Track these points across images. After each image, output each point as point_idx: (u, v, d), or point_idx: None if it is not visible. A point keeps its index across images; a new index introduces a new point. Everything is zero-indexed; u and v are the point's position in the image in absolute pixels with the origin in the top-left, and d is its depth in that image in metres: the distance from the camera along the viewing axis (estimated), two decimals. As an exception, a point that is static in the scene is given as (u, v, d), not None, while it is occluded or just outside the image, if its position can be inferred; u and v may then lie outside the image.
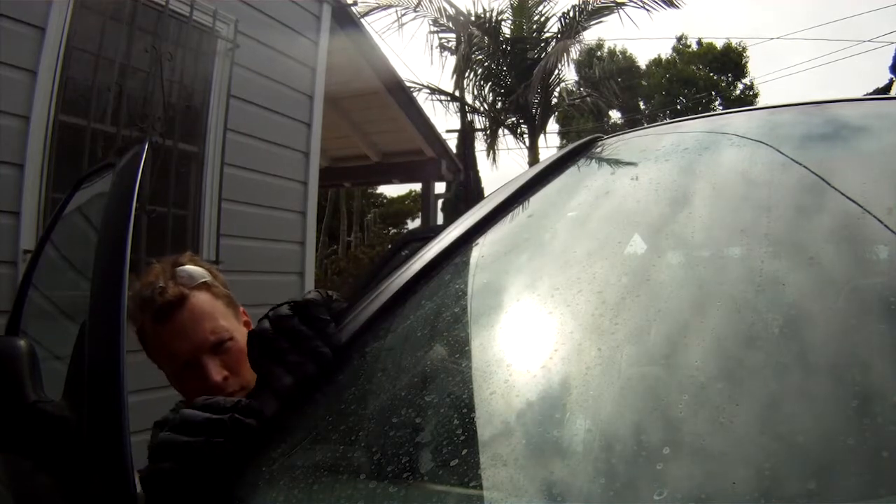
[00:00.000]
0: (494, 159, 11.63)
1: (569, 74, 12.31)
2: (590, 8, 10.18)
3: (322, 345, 0.63)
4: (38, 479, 0.83)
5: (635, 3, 9.75)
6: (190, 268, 1.09)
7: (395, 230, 18.82)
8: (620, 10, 9.94)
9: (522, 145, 11.41)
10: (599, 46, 19.68)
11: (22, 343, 0.82)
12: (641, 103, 24.66)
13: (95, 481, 0.59)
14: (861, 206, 0.61)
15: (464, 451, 0.50)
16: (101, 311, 0.68)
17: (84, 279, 0.75)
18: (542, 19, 10.78)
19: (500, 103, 11.22)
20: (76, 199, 1.25)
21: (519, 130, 11.43)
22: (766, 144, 0.80)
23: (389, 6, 9.96)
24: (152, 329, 1.02)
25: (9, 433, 0.77)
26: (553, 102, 11.28)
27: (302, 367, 0.62)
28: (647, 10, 9.76)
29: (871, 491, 0.38)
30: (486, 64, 10.79)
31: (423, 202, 9.07)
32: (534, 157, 10.84)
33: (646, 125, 6.03)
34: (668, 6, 9.70)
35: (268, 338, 0.64)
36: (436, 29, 10.80)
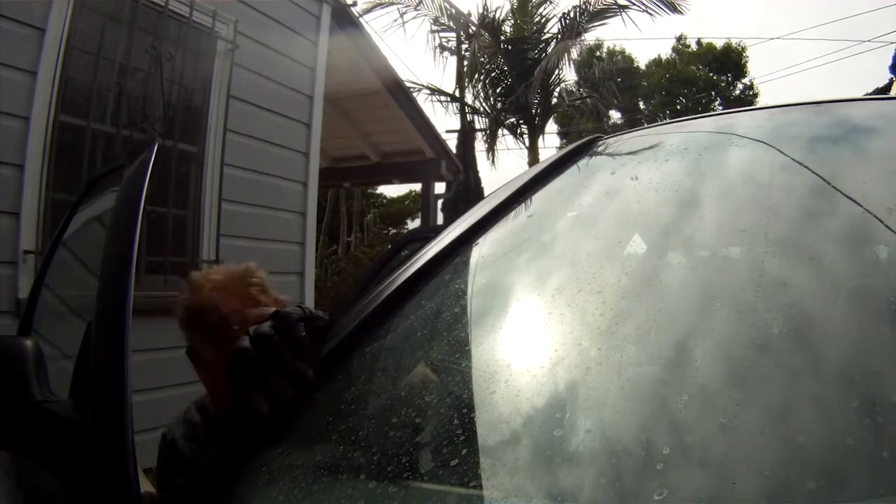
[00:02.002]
0: (493, 160, 11.63)
1: (569, 75, 12.30)
2: (591, 9, 10.17)
3: (302, 367, 0.61)
4: (44, 477, 0.83)
5: (638, 6, 9.74)
6: None
7: (395, 230, 18.81)
8: (623, 13, 9.93)
9: (522, 145, 11.41)
10: (598, 46, 19.67)
11: (28, 342, 0.82)
12: (641, 103, 24.65)
13: (98, 481, 0.59)
14: (862, 207, 0.61)
15: (464, 452, 0.51)
16: (106, 312, 0.68)
17: (96, 279, 0.75)
18: (543, 20, 10.77)
19: (500, 104, 11.22)
20: (88, 200, 1.26)
21: (519, 131, 11.43)
22: (767, 144, 0.80)
23: (391, 3, 9.97)
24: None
25: (15, 432, 0.77)
26: (553, 103, 11.28)
27: (280, 393, 0.60)
28: (650, 14, 9.76)
29: (871, 491, 0.38)
30: (488, 65, 10.79)
31: (423, 202, 9.07)
32: (534, 158, 10.85)
33: (646, 125, 6.03)
34: (672, 11, 9.70)
35: (248, 358, 0.62)
36: (437, 28, 10.80)
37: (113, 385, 0.61)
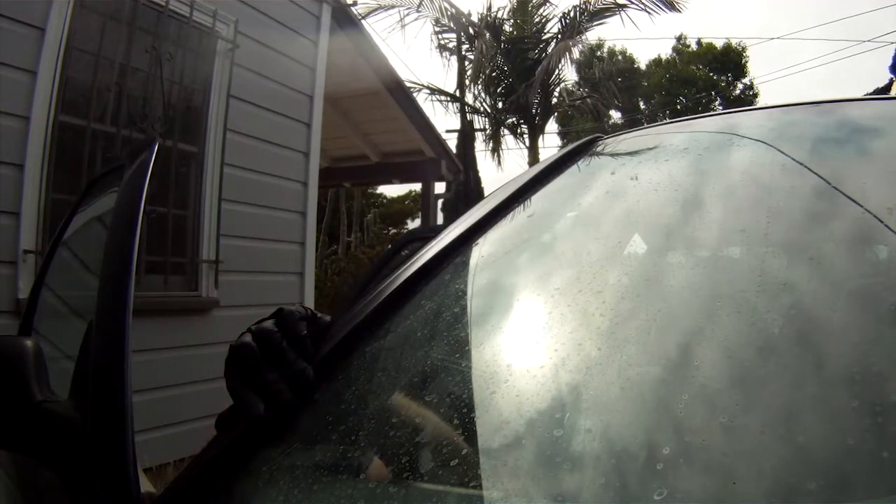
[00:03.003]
0: (500, 161, 11.66)
1: (569, 75, 12.32)
2: (591, 9, 10.19)
3: (304, 367, 0.60)
4: (44, 477, 0.83)
5: (636, 5, 9.76)
6: None
7: (395, 230, 18.81)
8: (622, 13, 9.96)
9: (522, 145, 11.43)
10: (599, 46, 19.69)
11: (28, 342, 0.82)
12: (641, 103, 24.66)
13: (98, 481, 0.59)
14: (862, 207, 0.61)
15: (464, 451, 0.51)
16: (106, 312, 0.68)
17: (96, 279, 0.75)
18: (543, 21, 10.79)
19: (500, 103, 11.23)
20: (88, 200, 1.26)
21: (519, 130, 11.45)
22: (768, 144, 0.80)
23: (392, 6, 9.99)
24: None
25: (15, 432, 0.77)
26: (553, 103, 11.29)
27: (278, 395, 0.58)
28: (649, 13, 9.79)
29: (871, 491, 0.38)
30: (488, 65, 10.80)
31: (423, 202, 9.08)
32: (534, 158, 10.86)
33: (646, 125, 6.03)
34: (670, 9, 9.72)
35: (248, 354, 0.60)
36: (437, 29, 10.82)
37: (113, 385, 0.61)
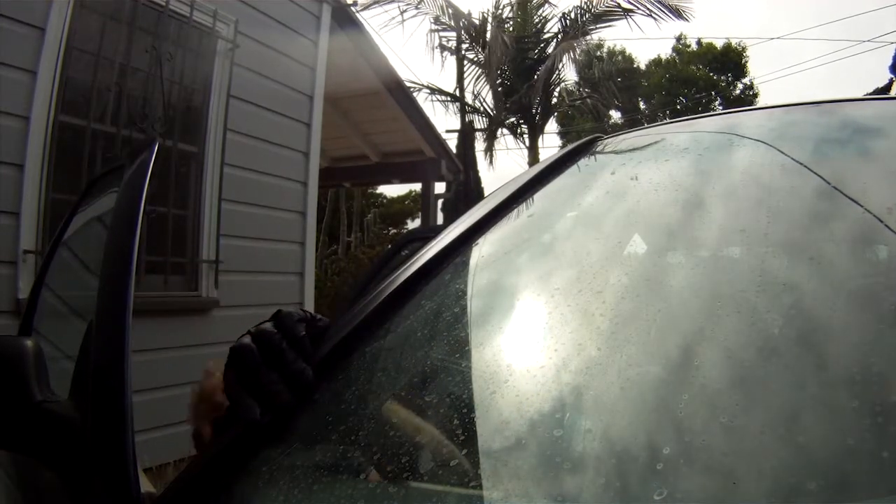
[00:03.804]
0: (491, 160, 11.67)
1: (569, 75, 12.32)
2: (594, 11, 10.19)
3: (303, 367, 0.60)
4: (44, 477, 0.83)
5: (642, 11, 9.78)
6: None
7: (395, 230, 18.80)
8: (628, 17, 9.97)
9: (522, 145, 11.44)
10: (599, 47, 19.68)
11: (29, 343, 0.82)
12: (641, 103, 24.66)
13: (98, 481, 0.59)
14: (862, 207, 0.61)
15: (464, 452, 0.51)
16: (106, 312, 0.68)
17: (96, 279, 0.75)
18: (543, 21, 10.80)
19: (500, 103, 11.24)
20: (88, 200, 1.26)
21: (519, 131, 11.45)
22: (768, 144, 0.80)
23: (390, 1, 9.98)
24: None
25: (15, 432, 0.77)
26: (553, 103, 11.30)
27: (277, 396, 0.58)
28: (655, 19, 9.80)
29: (871, 491, 0.38)
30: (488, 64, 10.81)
31: (423, 202, 9.08)
32: (534, 158, 10.86)
33: (646, 125, 6.03)
34: (677, 17, 9.74)
35: (248, 355, 0.60)
36: (437, 28, 10.81)
37: (113, 385, 0.61)
